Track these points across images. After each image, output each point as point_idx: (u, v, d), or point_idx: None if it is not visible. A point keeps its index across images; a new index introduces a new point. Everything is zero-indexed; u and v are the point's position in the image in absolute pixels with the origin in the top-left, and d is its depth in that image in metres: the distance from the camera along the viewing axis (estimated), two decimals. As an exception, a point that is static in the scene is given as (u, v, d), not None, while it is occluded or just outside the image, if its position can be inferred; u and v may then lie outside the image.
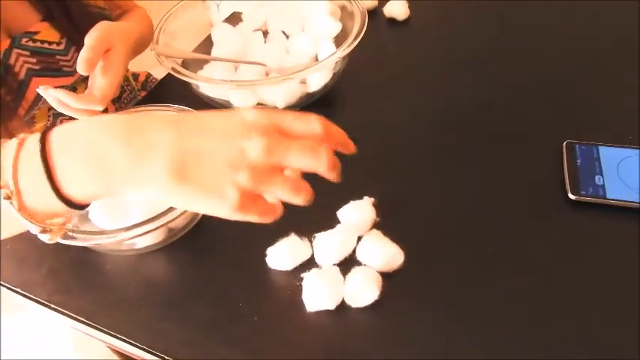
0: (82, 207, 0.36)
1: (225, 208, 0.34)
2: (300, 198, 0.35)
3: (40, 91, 0.56)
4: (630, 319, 0.43)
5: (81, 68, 0.54)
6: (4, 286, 0.51)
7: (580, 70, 0.68)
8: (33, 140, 0.34)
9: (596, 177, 0.53)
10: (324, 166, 0.35)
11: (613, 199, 0.51)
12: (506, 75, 0.69)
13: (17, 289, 0.50)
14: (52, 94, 0.55)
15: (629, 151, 0.55)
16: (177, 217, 0.47)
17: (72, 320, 0.48)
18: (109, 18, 0.74)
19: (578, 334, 0.43)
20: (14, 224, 0.37)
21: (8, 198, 0.34)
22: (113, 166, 0.34)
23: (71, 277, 0.51)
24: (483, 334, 0.43)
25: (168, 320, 0.47)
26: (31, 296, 0.49)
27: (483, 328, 0.44)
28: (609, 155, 0.55)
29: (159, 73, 0.95)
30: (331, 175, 0.36)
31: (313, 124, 0.36)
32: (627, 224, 0.49)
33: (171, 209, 0.46)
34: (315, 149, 0.35)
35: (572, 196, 0.51)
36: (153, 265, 0.51)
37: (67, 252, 0.52)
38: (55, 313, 0.48)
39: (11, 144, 0.35)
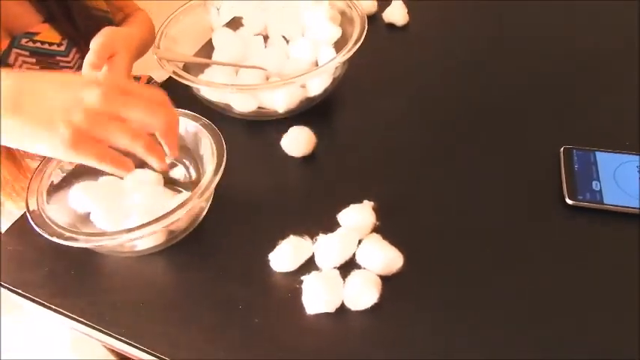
0: None
1: (56, 143, 0.35)
2: (137, 145, 0.37)
3: None
4: (628, 321, 0.43)
5: (85, 72, 0.55)
6: (4, 287, 0.51)
7: (578, 75, 0.69)
8: None
9: (594, 182, 0.53)
10: (160, 124, 0.37)
11: (610, 205, 0.51)
12: (505, 80, 0.69)
13: (18, 291, 0.50)
14: None
15: (626, 157, 0.55)
16: (178, 220, 0.47)
17: (72, 322, 0.48)
18: (111, 21, 0.75)
19: (577, 335, 0.43)
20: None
21: None
22: None
23: (72, 279, 0.51)
24: (482, 334, 0.44)
25: (169, 322, 0.47)
26: (33, 297, 0.49)
27: (482, 329, 0.44)
28: (606, 161, 0.55)
29: (159, 76, 0.95)
30: (168, 131, 0.38)
31: (156, 91, 0.39)
32: (624, 229, 0.50)
33: (172, 211, 0.46)
34: (153, 107, 0.37)
35: (569, 201, 0.52)
36: (154, 267, 0.52)
37: (68, 253, 0.52)
38: (56, 314, 0.48)
39: None
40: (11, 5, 0.66)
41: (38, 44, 0.67)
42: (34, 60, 0.67)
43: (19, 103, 0.35)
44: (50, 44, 0.68)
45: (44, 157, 0.54)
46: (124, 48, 0.60)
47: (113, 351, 0.71)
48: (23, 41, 0.66)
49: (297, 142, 0.60)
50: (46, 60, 0.68)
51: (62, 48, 0.69)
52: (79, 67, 0.71)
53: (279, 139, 0.61)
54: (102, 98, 0.35)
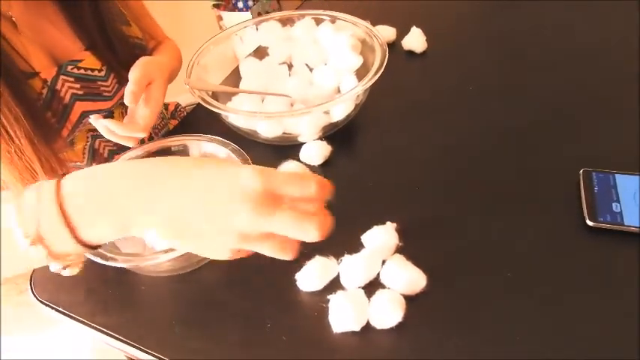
0: (95, 247, 0.39)
1: (217, 258, 0.38)
2: (285, 257, 0.38)
3: (92, 120, 0.61)
4: (650, 343, 0.44)
5: (128, 100, 0.60)
6: (46, 305, 0.54)
7: (596, 97, 0.70)
8: (48, 189, 0.37)
9: (613, 204, 0.54)
10: (309, 237, 0.36)
11: (631, 226, 0.52)
12: (524, 104, 0.71)
13: (59, 309, 0.53)
14: (102, 124, 0.60)
15: (645, 179, 0.56)
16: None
17: (110, 338, 0.50)
18: (145, 48, 0.80)
19: (603, 356, 0.44)
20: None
21: (34, 244, 0.36)
22: (123, 213, 0.37)
23: (110, 297, 0.54)
24: (504, 353, 0.44)
25: (201, 339, 0.49)
26: (73, 315, 0.52)
27: (504, 348, 0.45)
28: (626, 183, 0.56)
29: (184, 100, 1.00)
30: (320, 239, 0.37)
31: (310, 188, 0.37)
32: (645, 250, 0.51)
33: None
34: (301, 222, 0.36)
35: (590, 223, 0.53)
36: (186, 286, 0.54)
37: (104, 273, 0.55)
38: (95, 331, 0.51)
39: (29, 195, 0.37)
40: (56, 34, 0.71)
41: (82, 71, 0.72)
42: (78, 85, 0.71)
43: (180, 229, 0.37)
44: (92, 70, 0.73)
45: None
46: (160, 75, 0.66)
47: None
48: (69, 68, 0.70)
49: (315, 149, 0.64)
50: (88, 85, 0.72)
51: (102, 74, 0.74)
52: (117, 91, 0.76)
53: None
54: (250, 225, 0.36)
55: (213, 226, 0.36)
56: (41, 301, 0.55)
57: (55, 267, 0.39)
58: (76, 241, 0.37)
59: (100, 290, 0.55)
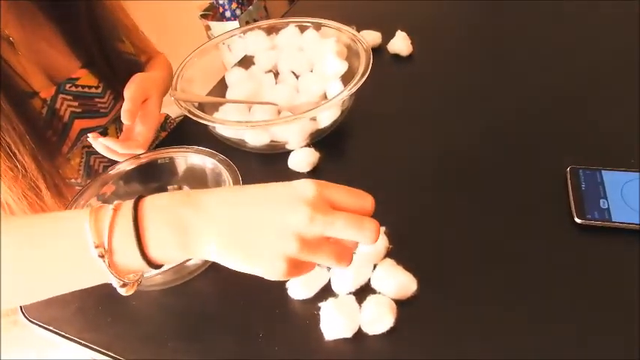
0: (159, 266, 0.40)
1: (271, 274, 0.38)
2: (342, 265, 0.39)
3: (91, 140, 0.62)
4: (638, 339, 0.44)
5: (125, 119, 0.61)
6: (35, 324, 0.54)
7: (580, 95, 0.71)
8: (127, 205, 0.39)
9: (601, 201, 0.54)
10: (367, 239, 0.38)
11: (618, 222, 0.52)
12: (509, 104, 0.71)
13: (49, 327, 0.52)
14: (101, 142, 0.61)
15: (632, 175, 0.57)
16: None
17: (100, 355, 0.50)
18: (140, 64, 0.80)
19: (590, 353, 0.44)
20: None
21: (102, 256, 0.37)
22: (190, 237, 0.38)
23: (100, 314, 0.53)
24: (497, 354, 0.44)
25: (193, 353, 0.48)
26: (62, 333, 0.52)
27: (496, 349, 0.45)
28: (613, 179, 0.57)
29: (174, 112, 1.00)
30: (373, 243, 0.38)
31: (365, 202, 0.39)
32: (633, 246, 0.51)
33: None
34: (360, 224, 0.37)
35: (578, 220, 0.53)
36: (177, 299, 0.54)
37: (95, 290, 0.54)
38: (85, 348, 0.50)
39: (108, 208, 0.38)
40: (53, 53, 0.71)
41: (79, 88, 0.72)
42: (76, 103, 0.72)
43: (235, 242, 0.37)
44: (89, 87, 0.73)
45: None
46: (155, 91, 0.67)
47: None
48: (67, 86, 0.71)
49: (303, 156, 0.64)
50: (86, 103, 0.73)
51: (99, 90, 0.74)
52: (113, 107, 0.76)
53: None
54: (309, 225, 0.36)
55: (271, 229, 0.37)
56: (31, 321, 0.54)
57: (115, 284, 0.40)
58: (142, 255, 0.37)
59: (91, 307, 0.54)
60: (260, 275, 0.38)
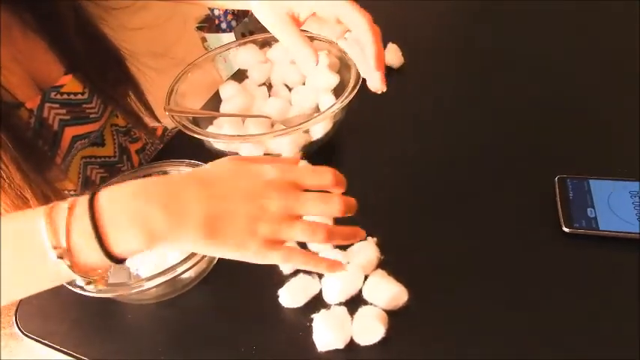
0: (122, 261, 0.40)
1: (247, 256, 0.40)
2: (318, 237, 0.41)
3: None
4: (628, 347, 0.45)
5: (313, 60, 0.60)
6: (31, 338, 0.54)
7: (567, 107, 0.72)
8: (82, 203, 0.38)
9: (588, 210, 0.55)
10: (336, 210, 0.41)
11: (605, 231, 0.53)
12: (499, 115, 0.73)
13: (45, 342, 0.53)
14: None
15: (618, 183, 0.58)
16: (189, 269, 0.50)
17: (96, 369, 0.50)
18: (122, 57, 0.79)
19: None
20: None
21: (61, 257, 0.37)
22: (154, 227, 0.38)
23: (94, 328, 0.54)
24: (488, 366, 0.45)
25: (187, 365, 0.49)
26: (59, 348, 0.52)
27: (488, 358, 0.45)
28: (600, 188, 0.57)
29: (171, 124, 1.00)
30: (344, 214, 0.41)
31: (325, 176, 0.42)
32: (621, 254, 0.52)
33: (183, 261, 0.50)
34: (327, 198, 0.41)
35: (566, 229, 0.54)
36: (172, 312, 0.54)
37: (90, 304, 0.55)
38: (80, 362, 0.51)
39: (62, 207, 0.38)
40: (35, 62, 0.70)
41: (65, 96, 0.71)
42: (64, 111, 0.71)
43: (214, 230, 0.39)
44: (75, 94, 0.72)
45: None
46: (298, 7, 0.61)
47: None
48: (52, 95, 0.70)
49: None
50: (74, 109, 0.72)
51: (85, 96, 0.73)
52: (104, 111, 0.75)
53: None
54: (282, 206, 0.40)
55: (245, 216, 0.39)
56: (26, 334, 0.55)
57: (79, 282, 0.40)
58: (105, 252, 0.38)
59: (86, 321, 0.55)
60: (239, 258, 0.40)
